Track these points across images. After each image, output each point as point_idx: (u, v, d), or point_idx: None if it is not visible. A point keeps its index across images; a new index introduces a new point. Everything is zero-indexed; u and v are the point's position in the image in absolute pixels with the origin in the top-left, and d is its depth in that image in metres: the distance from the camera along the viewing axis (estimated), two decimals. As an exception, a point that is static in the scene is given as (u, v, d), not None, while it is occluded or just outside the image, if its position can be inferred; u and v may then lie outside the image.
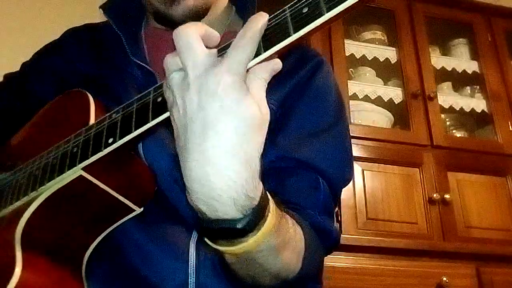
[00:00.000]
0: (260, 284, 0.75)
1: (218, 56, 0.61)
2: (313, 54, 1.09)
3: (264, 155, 0.91)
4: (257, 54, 0.61)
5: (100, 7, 1.13)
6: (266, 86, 0.63)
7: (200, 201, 0.60)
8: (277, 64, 0.63)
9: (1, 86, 1.22)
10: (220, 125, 0.57)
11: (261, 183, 0.62)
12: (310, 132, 0.97)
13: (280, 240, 0.68)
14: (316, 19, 0.58)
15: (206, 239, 0.64)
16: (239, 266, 0.70)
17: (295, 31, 0.59)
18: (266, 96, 0.95)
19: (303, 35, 0.59)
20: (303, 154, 0.93)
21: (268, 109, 0.62)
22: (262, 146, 0.61)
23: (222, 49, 0.63)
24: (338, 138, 1.00)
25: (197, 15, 1.04)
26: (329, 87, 1.05)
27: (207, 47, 0.61)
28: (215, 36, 0.64)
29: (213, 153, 0.57)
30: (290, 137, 0.95)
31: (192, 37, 0.60)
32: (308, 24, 0.59)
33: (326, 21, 0.58)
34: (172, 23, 1.04)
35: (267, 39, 0.61)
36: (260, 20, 0.60)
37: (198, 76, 0.58)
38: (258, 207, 0.61)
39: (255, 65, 0.61)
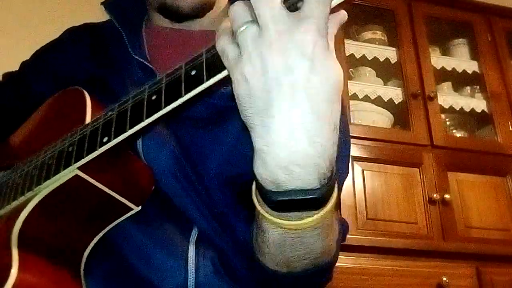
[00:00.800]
0: (293, 271, 0.74)
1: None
2: None
3: None
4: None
5: (102, 3, 1.13)
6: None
7: (281, 168, 0.56)
8: (344, 15, 0.60)
9: (0, 85, 1.21)
10: (311, 89, 0.54)
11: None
12: None
13: (332, 220, 0.67)
14: None
15: (269, 216, 0.62)
16: (281, 248, 0.68)
17: None
18: None
19: None
20: None
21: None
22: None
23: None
24: (341, 134, 1.00)
25: (204, 8, 1.05)
26: None
27: None
28: None
29: (304, 118, 0.54)
30: None
31: None
32: None
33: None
34: (178, 16, 1.05)
35: None
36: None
37: (281, 33, 0.54)
38: (331, 178, 0.59)
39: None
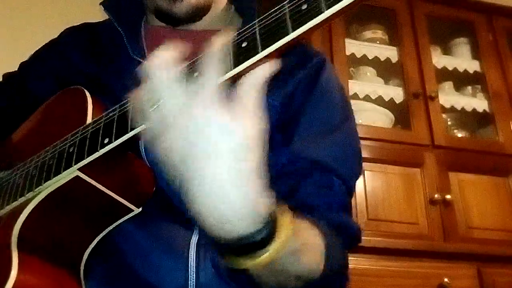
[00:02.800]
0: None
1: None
2: (314, 53, 1.08)
3: (276, 159, 0.91)
4: (253, 55, 0.60)
5: (101, 3, 1.12)
6: (265, 89, 0.62)
7: (214, 227, 0.60)
8: (269, 67, 0.62)
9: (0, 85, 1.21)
10: (216, 153, 0.57)
11: (270, 191, 0.61)
12: (319, 131, 0.96)
13: (299, 243, 0.68)
14: (315, 16, 0.57)
15: (229, 264, 0.64)
16: (266, 276, 0.70)
17: (294, 29, 0.58)
18: (268, 96, 0.95)
19: (301, 34, 0.58)
20: (314, 154, 0.93)
21: (265, 115, 0.61)
22: (264, 155, 0.60)
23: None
24: (348, 135, 1.00)
25: (199, 13, 1.04)
26: (334, 85, 1.05)
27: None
28: (184, 47, 0.63)
29: (215, 182, 0.57)
30: (300, 138, 0.95)
31: (160, 64, 0.60)
32: (306, 22, 0.57)
33: (325, 19, 0.57)
34: (174, 21, 1.05)
35: (266, 37, 0.60)
36: (220, 40, 0.60)
37: (180, 112, 0.58)
38: (272, 216, 0.61)
39: (249, 71, 0.61)
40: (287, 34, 0.58)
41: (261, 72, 0.61)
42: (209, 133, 0.57)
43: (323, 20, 0.57)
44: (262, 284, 0.73)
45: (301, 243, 0.69)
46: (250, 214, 0.59)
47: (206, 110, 0.57)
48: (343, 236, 0.87)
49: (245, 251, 0.62)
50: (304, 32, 0.58)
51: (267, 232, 0.61)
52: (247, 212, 0.58)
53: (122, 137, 0.70)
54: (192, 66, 0.63)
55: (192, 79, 0.61)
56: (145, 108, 0.62)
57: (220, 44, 0.60)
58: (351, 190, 0.97)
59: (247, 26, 0.63)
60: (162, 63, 0.60)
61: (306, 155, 0.93)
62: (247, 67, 0.61)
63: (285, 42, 0.58)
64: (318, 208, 0.87)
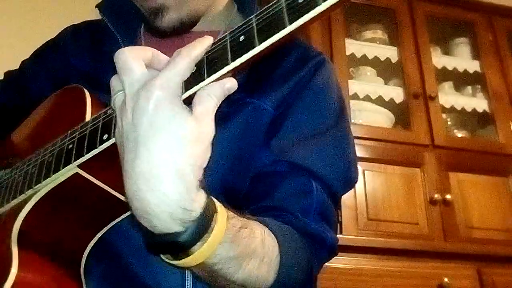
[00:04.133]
0: None
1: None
2: (314, 53, 1.06)
3: (257, 158, 0.90)
4: (250, 48, 0.60)
5: (96, 6, 1.12)
6: (218, 105, 0.63)
7: (140, 217, 0.60)
8: (232, 83, 0.63)
9: (0, 83, 1.22)
10: (150, 142, 0.58)
11: (202, 194, 0.61)
12: (306, 134, 0.94)
13: (240, 251, 0.66)
14: (312, 9, 0.57)
15: (161, 255, 0.64)
16: (204, 276, 0.69)
17: (290, 22, 0.58)
18: (262, 98, 0.94)
19: (298, 27, 0.58)
20: (296, 157, 0.91)
21: (213, 126, 0.62)
22: (202, 158, 0.61)
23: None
24: (338, 140, 0.97)
25: (184, 26, 1.02)
26: (329, 87, 1.02)
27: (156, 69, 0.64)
28: (164, 59, 0.65)
29: (144, 169, 0.58)
30: (284, 139, 0.93)
31: (129, 58, 0.63)
32: (303, 15, 0.57)
33: (322, 12, 0.56)
34: (161, 34, 1.02)
35: (262, 31, 0.60)
36: (198, 40, 0.64)
37: (133, 94, 0.61)
38: (200, 219, 0.60)
39: (215, 81, 0.62)
40: (284, 28, 0.58)
41: (221, 84, 0.63)
42: (148, 124, 0.59)
43: (320, 13, 0.56)
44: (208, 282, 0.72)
45: (243, 250, 0.67)
46: (175, 212, 0.58)
47: (150, 102, 0.59)
48: (316, 247, 0.85)
49: (169, 249, 0.62)
50: (301, 25, 0.57)
51: (193, 234, 0.59)
52: (171, 209, 0.58)
53: None
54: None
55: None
56: (114, 91, 0.65)
57: (197, 42, 0.64)
58: (335, 196, 0.94)
59: (245, 21, 0.63)
60: (133, 54, 0.64)
61: (288, 158, 0.91)
62: (245, 61, 0.61)
63: (282, 35, 0.58)
64: (293, 213, 0.85)
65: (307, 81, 0.99)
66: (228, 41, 0.63)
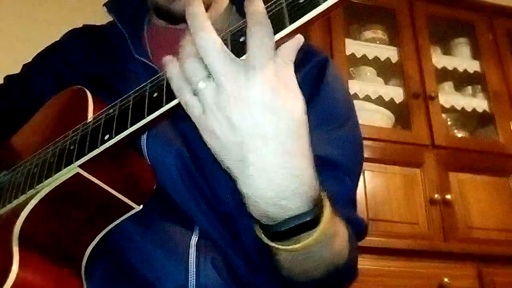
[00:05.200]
0: (314, 277, 0.77)
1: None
2: (316, 50, 1.08)
3: None
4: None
5: (104, 5, 1.13)
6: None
7: (269, 205, 0.61)
8: (300, 39, 0.61)
9: (2, 87, 1.22)
10: (281, 134, 0.58)
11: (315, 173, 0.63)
12: (327, 128, 0.96)
13: (334, 229, 0.70)
14: (312, 9, 0.56)
15: (274, 244, 0.66)
16: (295, 264, 0.72)
17: (291, 22, 0.58)
18: None
19: (299, 27, 0.58)
20: (324, 151, 0.92)
21: (300, 94, 0.61)
22: (308, 134, 0.62)
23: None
24: (353, 131, 1.01)
25: None
26: (339, 82, 1.07)
27: None
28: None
29: (279, 160, 0.58)
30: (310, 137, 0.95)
31: (215, 41, 0.58)
32: (303, 15, 0.57)
33: (323, 12, 0.56)
34: (174, 19, 1.04)
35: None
36: (255, 3, 0.59)
37: (238, 89, 0.57)
38: (319, 197, 0.64)
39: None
40: (284, 28, 0.58)
41: (291, 45, 0.61)
42: (271, 117, 0.57)
43: (320, 13, 0.56)
44: (289, 275, 0.76)
45: (334, 228, 0.71)
46: (308, 191, 0.61)
47: (251, 91, 0.57)
48: (354, 230, 0.88)
49: (293, 233, 0.64)
50: (301, 25, 0.57)
51: (317, 212, 0.63)
52: (305, 188, 0.60)
53: (123, 133, 0.70)
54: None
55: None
56: (193, 81, 0.60)
57: (260, 7, 0.59)
58: (357, 187, 0.98)
59: (244, 20, 0.62)
60: (208, 30, 0.59)
61: (317, 154, 0.92)
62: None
63: (282, 35, 0.58)
64: (333, 197, 0.87)
65: (317, 75, 1.01)
66: (229, 42, 0.62)
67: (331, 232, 0.69)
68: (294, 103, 0.59)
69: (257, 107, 0.57)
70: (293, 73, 0.61)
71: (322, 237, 0.66)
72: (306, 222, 0.62)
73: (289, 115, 0.58)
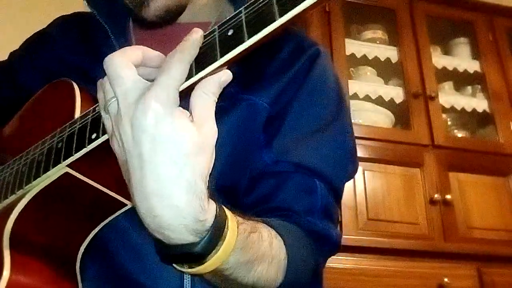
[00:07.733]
0: None
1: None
2: (309, 44, 1.04)
3: (257, 157, 0.90)
4: (240, 43, 0.59)
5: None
6: (216, 101, 0.61)
7: (154, 231, 0.60)
8: (226, 75, 0.61)
9: None
10: (156, 158, 0.57)
11: (212, 203, 0.61)
12: (306, 132, 0.93)
13: (250, 256, 0.67)
14: (303, 0, 0.55)
15: (173, 264, 0.64)
16: (215, 281, 0.69)
17: (280, 15, 0.57)
18: (257, 94, 0.93)
19: (288, 20, 0.57)
20: (298, 156, 0.90)
21: (215, 127, 0.61)
22: (207, 166, 0.60)
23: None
24: (339, 133, 0.97)
25: (170, 15, 0.98)
26: (326, 80, 1.01)
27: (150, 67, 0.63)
28: (156, 55, 0.64)
29: (154, 187, 0.57)
30: (285, 139, 0.92)
31: (119, 66, 0.60)
32: (294, 7, 0.56)
33: (314, 4, 0.55)
34: (146, 25, 1.00)
35: (252, 25, 0.59)
36: (190, 40, 0.60)
37: (127, 107, 0.58)
38: (212, 228, 0.60)
39: (205, 76, 0.61)
40: (274, 21, 0.57)
41: (216, 79, 0.61)
42: (150, 140, 0.57)
43: (311, 5, 0.55)
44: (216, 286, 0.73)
45: (253, 255, 0.68)
46: (189, 224, 0.58)
47: (148, 117, 0.57)
48: (321, 245, 0.86)
49: (184, 259, 0.62)
50: (291, 18, 0.56)
51: (207, 243, 0.60)
52: (186, 221, 0.58)
53: None
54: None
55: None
56: (101, 104, 0.64)
57: (189, 42, 0.61)
58: (338, 192, 0.94)
59: (234, 14, 0.62)
60: (124, 61, 0.61)
61: (289, 157, 0.90)
62: (234, 56, 0.60)
63: (272, 29, 0.57)
64: (298, 212, 0.85)
65: (303, 76, 0.97)
66: (217, 36, 0.62)
67: (244, 259, 0.66)
68: (185, 135, 0.57)
69: (138, 126, 0.57)
70: (210, 105, 0.61)
71: (228, 265, 0.64)
72: (194, 252, 0.59)
73: (173, 146, 0.57)
